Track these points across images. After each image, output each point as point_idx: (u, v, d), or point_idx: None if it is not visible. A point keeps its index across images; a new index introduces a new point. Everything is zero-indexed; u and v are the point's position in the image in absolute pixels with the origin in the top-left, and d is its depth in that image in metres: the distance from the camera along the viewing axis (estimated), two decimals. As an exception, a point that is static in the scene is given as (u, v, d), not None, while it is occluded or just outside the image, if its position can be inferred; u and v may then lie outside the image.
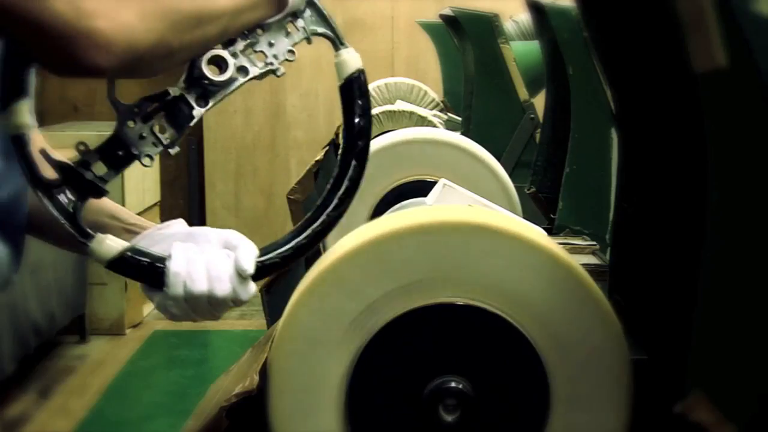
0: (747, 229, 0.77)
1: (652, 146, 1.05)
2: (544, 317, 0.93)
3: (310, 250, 0.98)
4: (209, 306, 0.94)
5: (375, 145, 1.67)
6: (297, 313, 0.94)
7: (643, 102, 1.05)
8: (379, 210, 1.71)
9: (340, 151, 1.01)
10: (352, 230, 1.00)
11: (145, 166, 0.95)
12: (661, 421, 0.93)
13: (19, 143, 0.91)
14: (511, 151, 2.58)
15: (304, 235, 0.97)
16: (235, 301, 0.95)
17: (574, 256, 1.22)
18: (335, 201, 0.98)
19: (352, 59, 1.01)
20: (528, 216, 1.56)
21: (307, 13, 1.01)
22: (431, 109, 3.12)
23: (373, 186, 1.74)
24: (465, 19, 2.76)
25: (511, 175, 1.80)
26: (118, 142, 0.94)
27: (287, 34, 1.00)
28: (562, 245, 1.22)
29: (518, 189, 1.81)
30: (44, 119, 4.49)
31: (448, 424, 0.92)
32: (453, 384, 0.92)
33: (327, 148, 3.02)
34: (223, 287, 0.93)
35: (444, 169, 1.70)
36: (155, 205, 4.64)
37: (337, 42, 1.02)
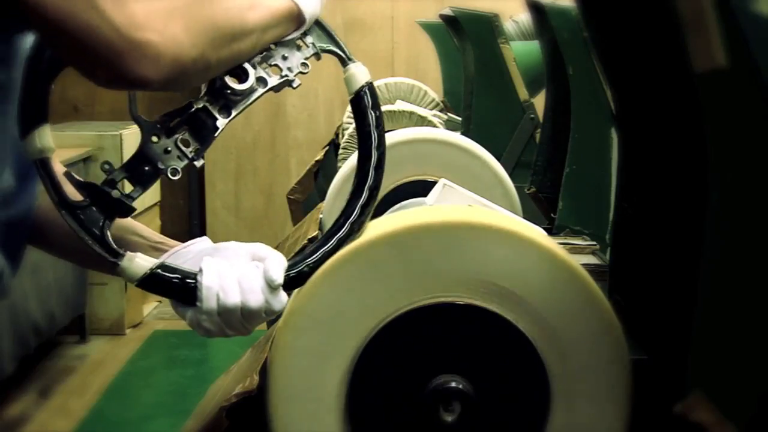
0: (747, 229, 0.77)
1: (652, 146, 1.05)
2: (544, 317, 0.93)
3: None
4: (242, 319, 0.93)
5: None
6: (297, 313, 0.94)
7: (643, 102, 1.05)
8: (380, 210, 1.71)
9: (356, 161, 1.02)
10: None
11: (171, 179, 0.95)
12: (661, 421, 0.93)
13: (43, 166, 0.92)
14: (511, 151, 2.58)
15: (330, 244, 0.97)
16: (267, 312, 0.94)
17: (574, 256, 1.22)
18: (357, 210, 0.99)
19: (360, 73, 1.04)
20: (528, 216, 1.55)
21: (315, 31, 1.04)
22: (431, 109, 3.11)
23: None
24: (465, 19, 2.76)
25: (511, 175, 1.79)
26: (144, 158, 0.94)
27: (299, 48, 1.02)
28: (562, 245, 1.22)
29: (518, 189, 1.81)
30: (44, 119, 4.48)
31: (449, 424, 0.92)
32: (453, 384, 0.92)
33: (327, 148, 3.02)
34: (257, 298, 0.93)
35: (444, 169, 1.70)
36: (155, 205, 4.64)
37: (344, 58, 1.04)
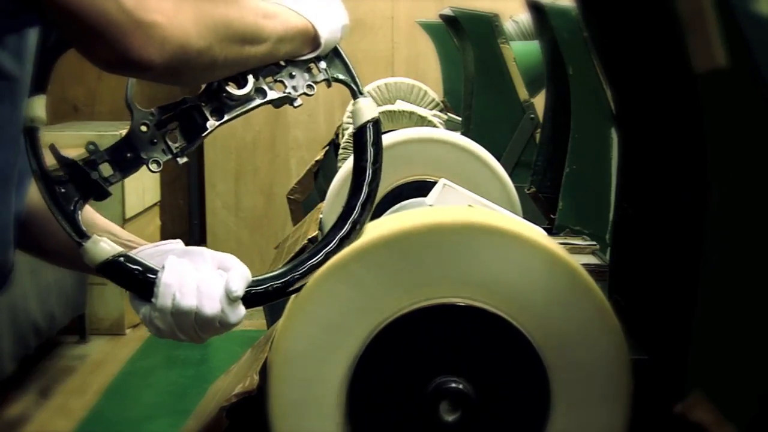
0: (747, 229, 0.77)
1: (652, 146, 1.05)
2: (544, 317, 0.93)
3: (299, 285, 0.97)
4: (195, 325, 0.92)
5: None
6: (297, 313, 0.94)
7: (643, 102, 1.05)
8: (379, 210, 1.71)
9: (348, 193, 1.02)
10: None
11: (152, 171, 0.95)
12: (661, 421, 0.93)
13: (30, 135, 0.92)
14: (511, 151, 2.58)
15: (300, 271, 0.96)
16: (222, 323, 0.92)
17: (574, 256, 1.22)
18: (336, 241, 0.97)
19: (368, 108, 1.04)
20: (528, 216, 1.55)
21: (332, 59, 1.04)
22: (431, 109, 3.11)
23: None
24: (465, 19, 2.76)
25: (511, 175, 1.79)
26: (129, 144, 0.94)
27: (309, 70, 1.02)
28: (562, 245, 1.22)
29: (518, 189, 1.81)
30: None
31: (449, 425, 0.92)
32: (453, 384, 0.92)
33: (327, 148, 3.02)
34: (212, 306, 0.91)
35: (444, 169, 1.70)
36: (155, 205, 4.64)
37: (356, 91, 1.05)
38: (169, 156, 0.95)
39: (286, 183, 4.27)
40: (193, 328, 0.92)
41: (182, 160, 0.96)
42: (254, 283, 0.95)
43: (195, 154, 5.26)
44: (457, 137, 1.82)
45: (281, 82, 1.00)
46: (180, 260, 0.94)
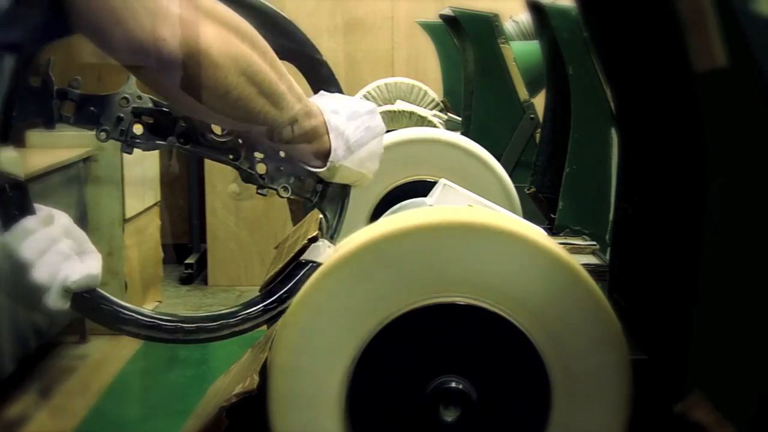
0: (747, 229, 0.77)
1: (651, 146, 1.05)
2: (544, 317, 0.93)
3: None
4: (16, 276, 0.86)
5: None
6: (297, 313, 0.94)
7: (643, 102, 1.05)
8: (379, 210, 1.71)
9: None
10: (353, 231, 1.00)
11: (98, 139, 0.95)
12: (661, 421, 0.93)
13: None
14: (511, 151, 2.58)
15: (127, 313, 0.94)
16: (36, 297, 0.87)
17: (574, 256, 1.22)
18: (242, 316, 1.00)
19: (320, 253, 1.04)
20: (528, 216, 1.55)
21: (331, 196, 1.04)
22: (431, 109, 3.11)
23: (373, 186, 1.73)
24: (465, 19, 2.76)
25: (511, 175, 1.79)
26: (103, 101, 0.94)
27: (301, 181, 1.01)
28: (562, 245, 1.22)
29: (518, 189, 1.81)
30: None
31: (449, 425, 0.92)
32: (453, 384, 0.92)
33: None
34: (45, 272, 0.86)
35: (444, 169, 1.70)
36: (155, 205, 4.64)
37: (328, 234, 1.05)
38: (122, 139, 0.94)
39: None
40: (13, 278, 0.87)
41: (128, 150, 0.95)
42: (93, 293, 0.90)
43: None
44: (457, 137, 1.82)
45: (264, 164, 0.99)
46: (56, 214, 0.90)
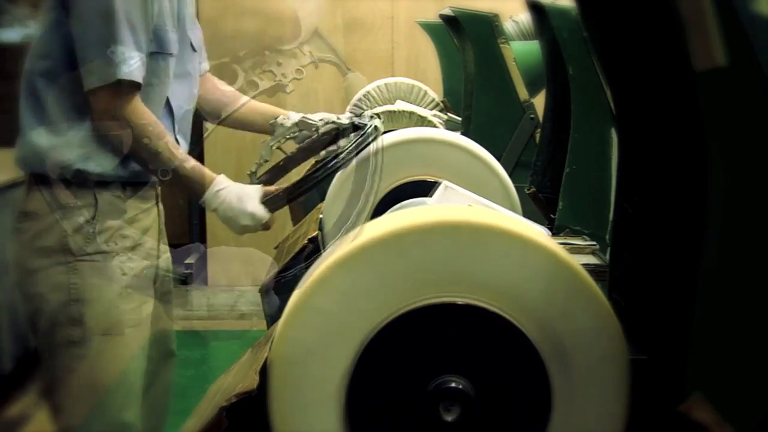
0: (747, 229, 0.77)
1: (651, 146, 1.05)
2: (544, 317, 0.93)
3: None
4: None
5: (376, 145, 1.67)
6: (297, 313, 0.94)
7: (643, 102, 1.05)
8: (380, 210, 1.71)
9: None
10: (353, 230, 1.00)
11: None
12: (661, 421, 0.93)
13: None
14: (511, 151, 2.58)
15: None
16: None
17: (574, 256, 1.22)
18: None
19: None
20: (528, 216, 1.55)
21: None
22: (431, 109, 3.11)
23: (373, 186, 1.74)
24: (465, 19, 2.76)
25: (511, 175, 1.80)
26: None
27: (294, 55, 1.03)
28: (562, 245, 1.22)
29: (518, 189, 1.81)
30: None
31: (449, 424, 0.92)
32: (453, 384, 0.92)
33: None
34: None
35: (444, 169, 1.70)
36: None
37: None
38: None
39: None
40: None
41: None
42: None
43: (195, 154, 5.25)
44: (457, 137, 1.82)
45: (271, 71, 1.01)
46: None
